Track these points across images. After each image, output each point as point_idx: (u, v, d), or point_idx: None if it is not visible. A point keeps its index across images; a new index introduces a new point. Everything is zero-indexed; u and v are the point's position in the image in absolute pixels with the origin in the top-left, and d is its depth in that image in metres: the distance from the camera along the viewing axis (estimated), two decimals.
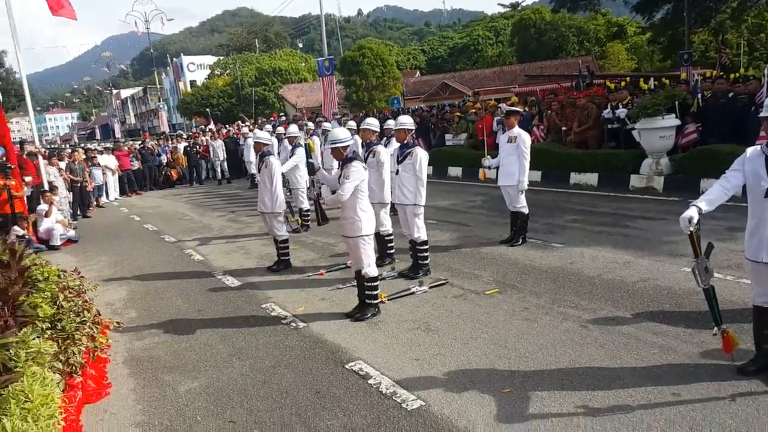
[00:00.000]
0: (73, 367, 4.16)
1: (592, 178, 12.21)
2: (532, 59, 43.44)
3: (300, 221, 10.10)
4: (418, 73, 52.84)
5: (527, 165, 7.56)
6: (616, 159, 11.92)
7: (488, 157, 8.39)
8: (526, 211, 7.78)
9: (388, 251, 7.40)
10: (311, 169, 6.70)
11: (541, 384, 3.99)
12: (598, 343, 4.56)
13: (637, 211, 9.34)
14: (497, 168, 7.98)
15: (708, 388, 3.71)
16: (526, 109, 15.00)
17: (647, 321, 4.89)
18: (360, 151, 7.49)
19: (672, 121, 10.80)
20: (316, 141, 12.60)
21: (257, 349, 5.05)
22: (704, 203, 3.79)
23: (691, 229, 3.76)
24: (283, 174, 8.28)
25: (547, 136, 14.24)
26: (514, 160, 7.58)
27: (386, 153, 7.15)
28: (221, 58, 67.17)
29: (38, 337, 3.82)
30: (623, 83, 14.66)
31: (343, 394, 4.10)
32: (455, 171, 15.98)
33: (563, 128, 13.42)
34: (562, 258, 7.01)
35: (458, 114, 17.99)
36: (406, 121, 6.85)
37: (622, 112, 12.01)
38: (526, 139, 7.60)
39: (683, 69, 21.66)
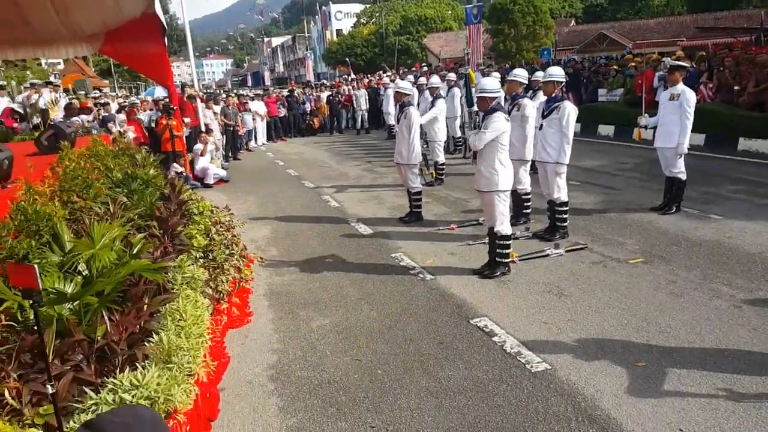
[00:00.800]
0: (221, 294, 4.56)
1: (764, 146, 10.75)
2: (705, 9, 38.68)
3: (435, 174, 10.06)
4: (573, 21, 49.47)
5: (689, 126, 6.83)
6: None
7: (645, 115, 7.70)
8: (683, 176, 7.07)
9: (524, 210, 7.14)
10: (470, 101, 6.58)
11: (681, 361, 3.70)
12: (751, 325, 4.11)
13: None
14: (654, 128, 7.31)
15: None
16: (693, 64, 13.49)
17: None
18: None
19: None
20: (456, 92, 12.35)
21: (385, 296, 5.17)
22: None
23: None
24: (420, 126, 8.24)
25: (715, 96, 12.74)
26: (674, 120, 6.87)
27: (532, 107, 6.81)
28: (368, 5, 67.78)
29: (192, 264, 4.21)
30: None
31: (466, 348, 4.08)
32: (606, 129, 14.88)
33: (736, 87, 11.91)
34: (719, 231, 6.33)
35: (615, 68, 16.65)
36: (556, 73, 6.43)
37: None
38: (690, 97, 6.84)
39: None
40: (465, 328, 4.41)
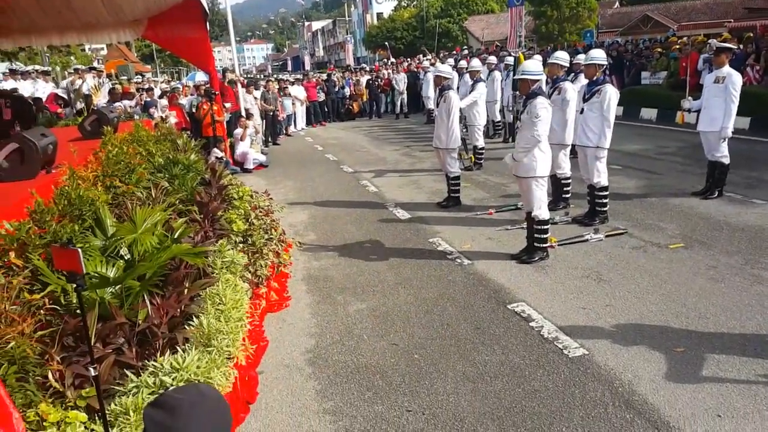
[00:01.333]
0: (260, 279, 4.67)
1: None
2: None
3: (473, 159, 10.00)
4: (617, 3, 47.90)
5: (734, 109, 6.63)
6: None
7: (689, 98, 7.50)
8: (726, 161, 6.87)
9: (564, 195, 7.06)
10: (514, 85, 6.56)
11: (720, 347, 3.66)
12: None
13: None
14: (698, 111, 7.10)
15: None
16: (740, 46, 12.95)
17: None
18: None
19: None
20: (497, 76, 12.20)
21: (422, 281, 5.21)
22: None
23: None
24: (460, 110, 8.19)
25: (762, 78, 12.25)
26: (719, 103, 6.67)
27: (573, 90, 6.69)
28: None
29: (232, 248, 4.32)
30: None
31: (503, 333, 4.11)
32: (649, 113, 14.49)
33: None
34: (762, 216, 6.17)
35: (659, 50, 16.14)
36: (597, 56, 6.32)
37: None
38: (736, 79, 6.62)
39: None
40: (502, 313, 4.43)
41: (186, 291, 3.49)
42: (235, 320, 3.37)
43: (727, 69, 6.73)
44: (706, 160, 7.11)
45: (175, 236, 3.75)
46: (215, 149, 11.17)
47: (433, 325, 4.33)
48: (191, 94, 14.61)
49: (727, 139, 6.78)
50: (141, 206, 3.96)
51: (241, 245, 4.66)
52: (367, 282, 5.31)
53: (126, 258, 3.51)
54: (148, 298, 3.23)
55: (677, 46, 15.56)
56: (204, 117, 11.70)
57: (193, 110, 12.81)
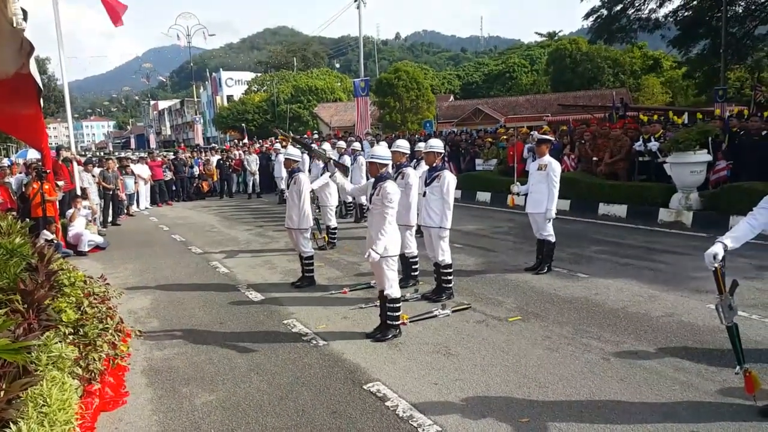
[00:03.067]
0: (93, 374, 4.20)
1: (620, 210, 12.02)
2: (566, 89, 43.38)
3: (327, 239, 10.13)
4: (452, 97, 53.10)
5: (556, 193, 7.51)
6: (645, 192, 11.76)
7: (517, 183, 8.38)
8: (552, 239, 7.69)
9: (413, 273, 7.36)
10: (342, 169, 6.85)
11: (560, 415, 3.90)
12: (619, 376, 4.46)
13: (665, 245, 9.19)
14: (526, 195, 7.94)
15: (728, 429, 3.60)
16: (558, 138, 14.89)
17: (669, 356, 4.79)
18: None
19: (704, 156, 10.65)
20: (346, 160, 12.72)
21: (276, 365, 5.04)
22: (730, 240, 3.73)
23: (716, 265, 3.70)
24: (312, 191, 8.34)
25: (577, 166, 14.11)
26: (543, 188, 7.53)
27: (415, 175, 7.15)
28: (259, 74, 68.50)
29: (60, 341, 3.86)
30: (656, 116, 14.48)
31: (359, 416, 4.06)
32: (484, 196, 15.90)
33: (594, 158, 13.28)
34: (587, 288, 6.89)
35: (490, 140, 17.98)
36: (436, 144, 6.86)
37: (654, 145, 11.88)
38: (556, 167, 7.55)
39: (717, 105, 21.39)
40: (358, 394, 4.39)
41: (2, 393, 3.04)
42: (62, 424, 2.99)
43: (548, 158, 7.65)
44: (535, 239, 7.89)
45: None
46: (45, 231, 10.16)
47: (288, 412, 4.16)
48: (20, 173, 13.34)
49: (551, 220, 7.61)
50: None
51: (71, 337, 4.19)
52: (216, 371, 5.00)
53: None
54: None
55: (505, 137, 17.43)
56: (33, 197, 10.69)
57: (23, 189, 11.69)
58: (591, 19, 33.84)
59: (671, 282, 6.99)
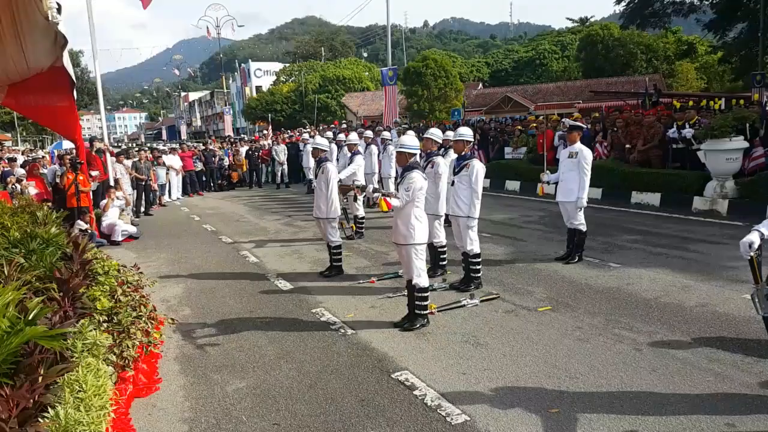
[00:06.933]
0: (126, 361, 4.29)
1: (654, 199, 11.76)
2: (598, 75, 42.42)
3: (354, 228, 10.16)
4: (480, 85, 52.45)
5: (587, 181, 7.37)
6: (679, 180, 11.49)
7: (547, 171, 8.25)
8: (583, 228, 7.56)
9: (441, 262, 7.33)
10: None
11: (590, 406, 3.86)
12: (652, 367, 4.38)
13: (699, 234, 8.98)
14: (556, 183, 7.82)
15: (765, 421, 3.51)
16: (589, 125, 14.62)
17: (703, 347, 4.69)
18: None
19: (740, 143, 10.33)
20: (373, 149, 12.71)
21: (305, 354, 5.08)
22: (767, 228, 3.60)
23: (752, 254, 3.61)
24: (340, 180, 8.36)
25: (609, 154, 13.85)
26: (574, 176, 7.40)
27: (444, 164, 7.10)
28: (287, 65, 68.82)
29: (95, 329, 3.95)
30: (690, 103, 14.09)
31: (387, 404, 4.07)
32: (513, 185, 15.73)
33: (627, 146, 13.01)
34: (618, 278, 6.77)
35: (519, 127, 17.75)
36: (465, 133, 6.80)
37: (688, 132, 11.56)
38: (587, 155, 7.41)
39: (755, 90, 20.66)
40: (386, 383, 4.40)
41: (40, 379, 3.12)
42: (97, 409, 3.05)
43: (579, 145, 7.51)
44: (566, 228, 7.77)
45: (30, 318, 3.39)
46: (79, 221, 10.41)
47: (317, 400, 4.20)
48: (54, 164, 13.70)
49: (582, 209, 7.48)
50: None
51: (105, 325, 4.28)
52: (246, 358, 5.07)
53: None
54: None
55: (534, 124, 17.19)
56: (68, 187, 10.96)
57: (57, 180, 11.99)
58: (623, 3, 33.11)
59: (705, 271, 6.83)
